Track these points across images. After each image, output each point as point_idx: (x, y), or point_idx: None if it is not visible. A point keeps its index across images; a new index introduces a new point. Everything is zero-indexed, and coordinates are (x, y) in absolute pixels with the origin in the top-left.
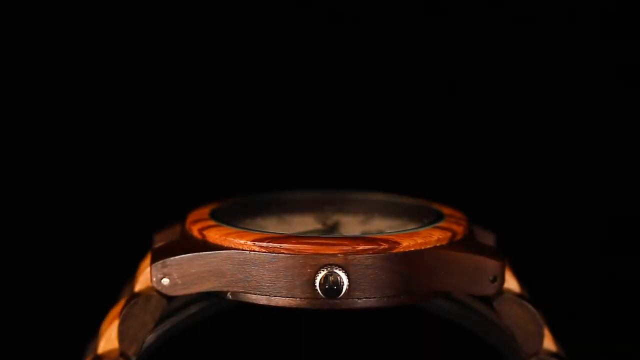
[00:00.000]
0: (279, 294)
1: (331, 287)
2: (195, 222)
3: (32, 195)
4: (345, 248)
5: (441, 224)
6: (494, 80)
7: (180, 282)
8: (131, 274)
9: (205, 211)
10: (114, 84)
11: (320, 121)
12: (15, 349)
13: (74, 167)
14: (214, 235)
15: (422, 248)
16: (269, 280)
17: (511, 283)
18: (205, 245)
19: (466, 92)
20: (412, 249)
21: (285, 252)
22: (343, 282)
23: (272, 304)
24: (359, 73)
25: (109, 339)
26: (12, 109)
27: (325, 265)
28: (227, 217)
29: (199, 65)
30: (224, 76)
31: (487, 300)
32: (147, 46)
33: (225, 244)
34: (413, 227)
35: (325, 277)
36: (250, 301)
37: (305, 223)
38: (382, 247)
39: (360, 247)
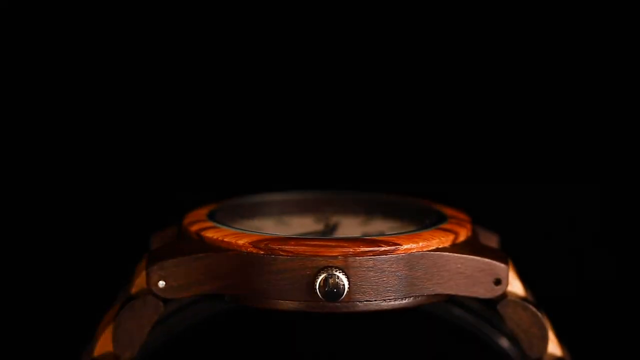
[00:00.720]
0: (277, 297)
1: (331, 289)
2: (193, 223)
3: (30, 196)
4: (345, 250)
5: (443, 225)
6: (495, 79)
7: (176, 284)
8: (128, 276)
9: (202, 212)
10: (111, 85)
11: (319, 121)
12: (14, 350)
13: (71, 169)
14: (212, 236)
15: (424, 250)
16: (268, 283)
17: (515, 286)
18: (203, 247)
19: (468, 91)
20: (414, 251)
21: (284, 254)
22: (343, 284)
23: (271, 306)
24: (359, 72)
25: (104, 342)
26: (11, 109)
27: (325, 267)
28: (225, 219)
29: (196, 65)
30: (222, 77)
31: (490, 303)
32: (146, 48)
33: (223, 245)
34: (414, 228)
35: (325, 280)
36: (248, 304)
37: (305, 224)
38: (382, 248)
39: (361, 249)
